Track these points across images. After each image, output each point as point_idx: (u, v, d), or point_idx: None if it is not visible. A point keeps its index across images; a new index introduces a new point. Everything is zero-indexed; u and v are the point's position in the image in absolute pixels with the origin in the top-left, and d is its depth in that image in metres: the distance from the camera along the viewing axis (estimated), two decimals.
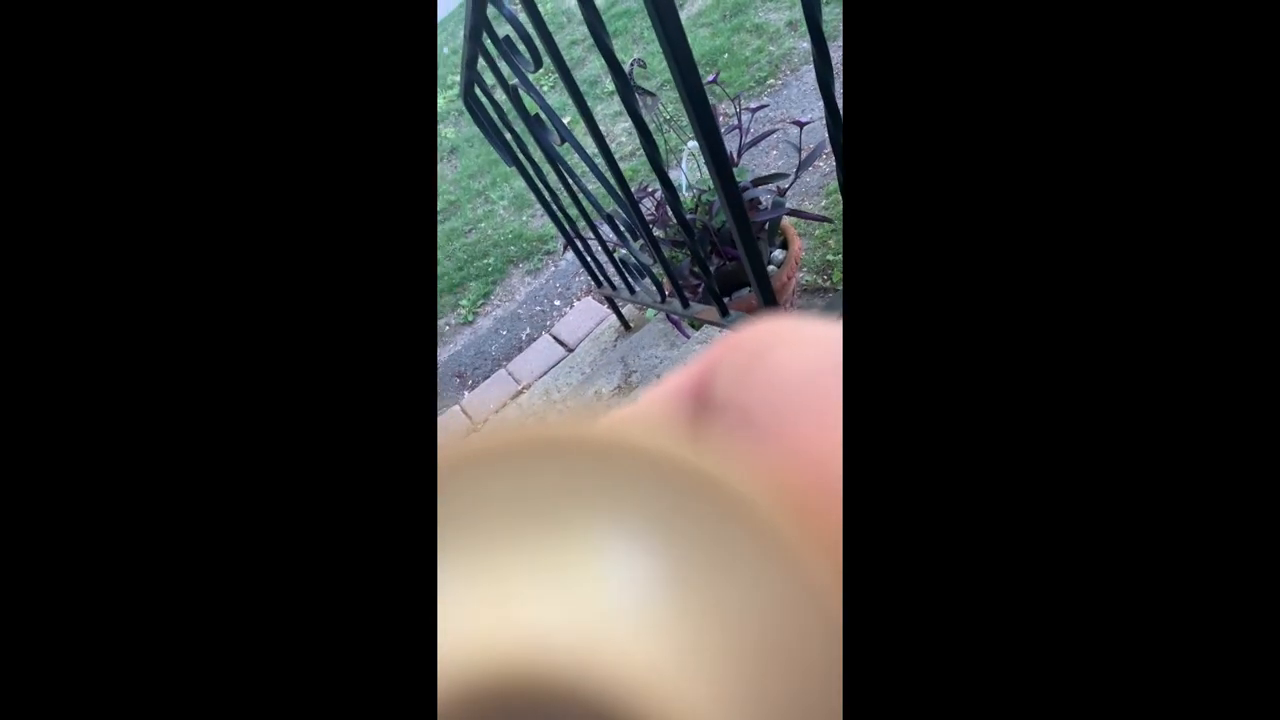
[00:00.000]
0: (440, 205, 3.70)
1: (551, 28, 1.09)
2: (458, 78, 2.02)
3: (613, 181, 1.33)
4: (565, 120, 2.06)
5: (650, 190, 1.87)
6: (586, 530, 0.10)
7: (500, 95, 1.62)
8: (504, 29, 1.29)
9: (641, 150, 1.10)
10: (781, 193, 1.71)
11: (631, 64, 1.53)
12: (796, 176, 1.71)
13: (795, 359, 0.12)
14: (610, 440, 0.11)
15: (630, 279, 1.96)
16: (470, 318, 3.11)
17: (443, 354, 3.01)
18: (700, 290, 1.62)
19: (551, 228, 2.67)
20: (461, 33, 1.54)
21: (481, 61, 1.55)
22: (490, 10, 1.26)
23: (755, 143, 1.84)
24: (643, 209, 1.49)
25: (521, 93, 1.43)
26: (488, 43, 1.41)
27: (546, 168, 1.76)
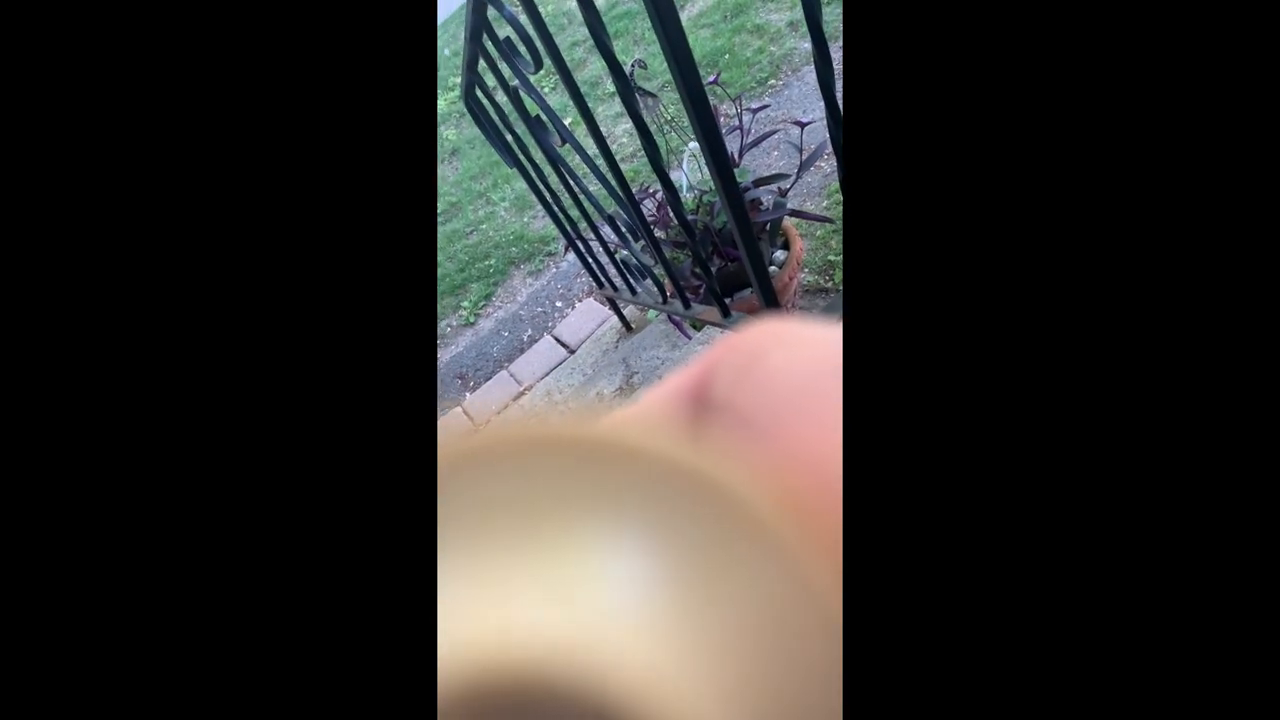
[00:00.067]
0: (441, 207, 3.71)
1: (552, 29, 1.10)
2: (459, 79, 2.03)
3: (614, 182, 1.33)
4: (566, 121, 2.06)
5: (651, 191, 1.87)
6: (586, 530, 0.10)
7: (501, 97, 1.63)
8: (505, 30, 1.29)
9: (642, 151, 1.10)
10: (783, 193, 1.70)
11: (632, 65, 1.53)
12: (798, 177, 1.71)
13: (794, 360, 0.12)
14: (610, 441, 0.11)
15: (631, 280, 1.96)
16: (472, 319, 3.11)
17: (444, 355, 3.01)
18: (702, 291, 1.62)
19: (553, 229, 2.68)
20: (462, 34, 1.54)
21: (482, 63, 1.55)
22: (491, 12, 1.26)
23: (756, 143, 1.84)
24: (644, 210, 1.49)
25: (522, 94, 1.43)
26: (488, 44, 1.41)
27: (548, 169, 1.76)
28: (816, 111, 2.51)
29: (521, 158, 1.88)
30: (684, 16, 3.46)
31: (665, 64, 0.88)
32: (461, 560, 0.10)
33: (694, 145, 1.77)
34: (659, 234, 1.67)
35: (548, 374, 2.56)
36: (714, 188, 1.07)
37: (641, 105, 1.15)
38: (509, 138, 1.83)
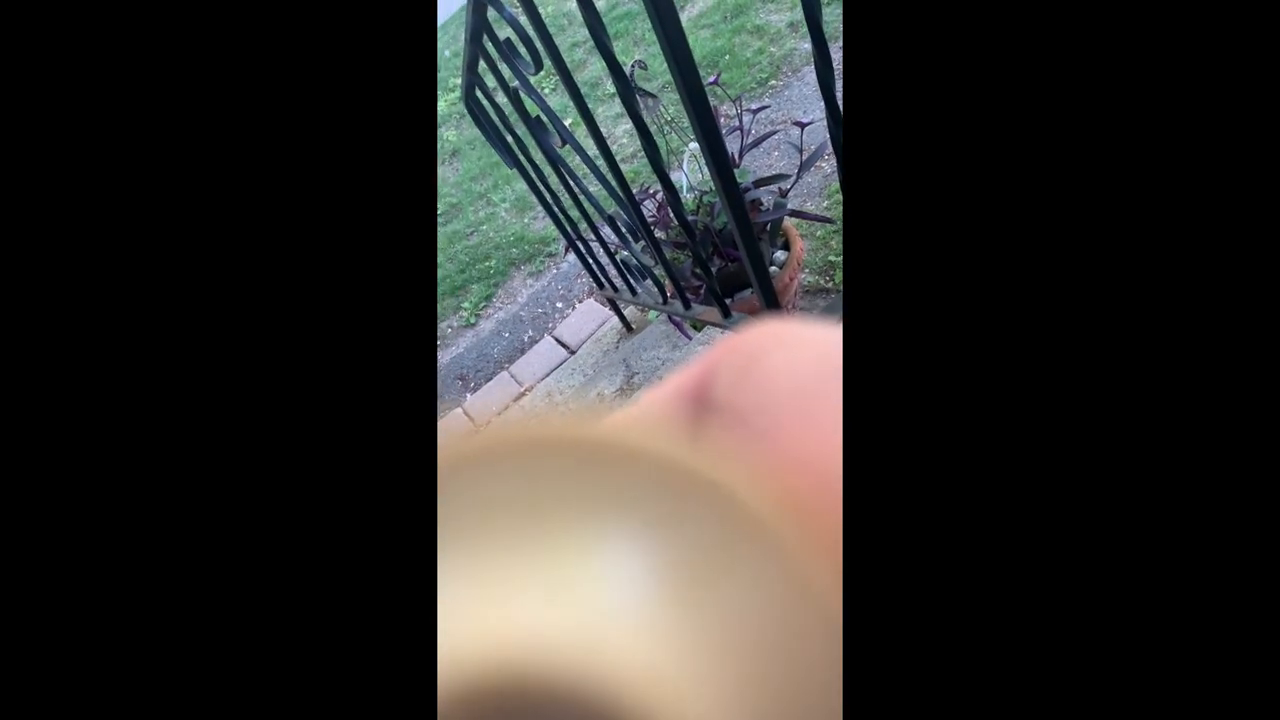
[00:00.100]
0: (442, 208, 3.71)
1: (552, 30, 1.10)
2: (459, 80, 2.03)
3: (614, 183, 1.33)
4: (566, 122, 2.06)
5: (652, 192, 1.87)
6: (586, 530, 0.10)
7: (501, 98, 1.63)
8: (505, 32, 1.29)
9: (643, 152, 1.10)
10: (783, 194, 1.70)
11: (632, 66, 1.53)
12: (798, 177, 1.71)
13: (794, 361, 0.12)
14: (609, 441, 0.11)
15: (632, 280, 1.96)
16: (472, 320, 3.11)
17: (445, 356, 3.01)
18: (702, 291, 1.62)
19: (553, 230, 2.68)
20: (462, 36, 1.54)
21: (483, 64, 1.55)
22: (491, 13, 1.26)
23: (757, 144, 1.84)
24: (644, 210, 1.49)
25: (522, 95, 1.44)
26: (489, 46, 1.41)
27: (548, 170, 1.76)
28: (817, 112, 2.51)
29: (522, 159, 1.88)
30: (684, 17, 3.46)
31: (665, 65, 0.89)
32: (462, 560, 0.10)
33: (694, 146, 1.77)
34: (659, 234, 1.67)
35: (548, 375, 2.56)
36: (714, 188, 1.07)
37: (642, 106, 1.15)
38: (509, 139, 1.83)
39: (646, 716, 0.09)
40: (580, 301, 2.84)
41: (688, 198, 1.77)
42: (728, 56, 3.23)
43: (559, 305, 2.91)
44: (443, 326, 3.15)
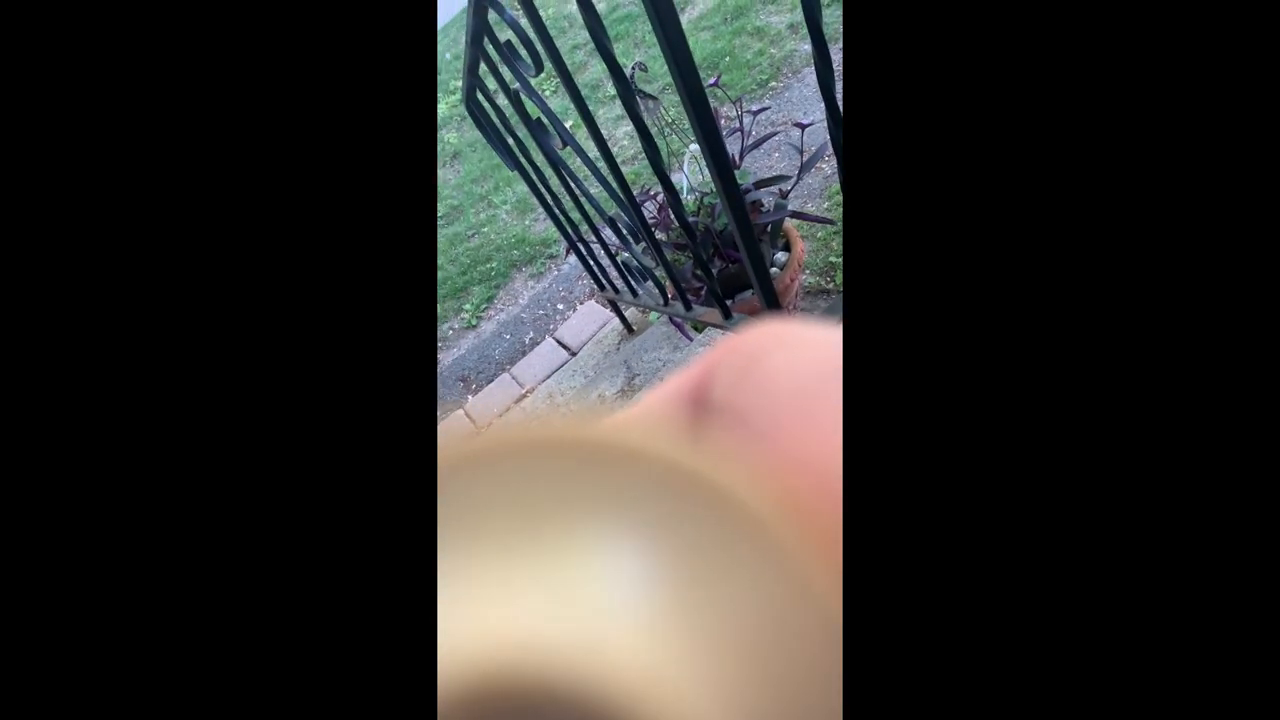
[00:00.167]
0: (443, 210, 3.71)
1: (553, 32, 1.10)
2: (460, 83, 2.03)
3: (615, 185, 1.33)
4: (567, 124, 2.06)
5: (652, 193, 1.87)
6: (587, 531, 0.10)
7: (502, 100, 1.63)
8: (505, 34, 1.29)
9: (643, 153, 1.10)
10: (784, 195, 1.71)
11: (633, 68, 1.53)
12: (799, 179, 1.71)
13: (793, 362, 0.12)
14: (610, 442, 0.11)
15: (633, 282, 1.96)
16: (474, 322, 3.11)
17: (446, 358, 3.02)
18: (703, 293, 1.62)
19: (554, 231, 2.68)
20: (463, 38, 1.55)
21: (483, 67, 1.55)
22: (492, 15, 1.26)
23: (757, 145, 1.84)
24: (645, 212, 1.49)
25: (523, 97, 1.44)
26: (489, 48, 1.41)
27: (549, 172, 1.76)
28: (817, 113, 2.52)
29: (523, 160, 1.88)
30: (684, 19, 3.47)
31: (666, 66, 0.89)
32: (463, 562, 0.10)
33: (695, 147, 1.77)
34: (660, 236, 1.67)
35: (549, 376, 2.56)
36: (715, 190, 1.07)
37: (642, 108, 1.15)
38: (510, 141, 1.83)
39: (646, 717, 0.09)
40: (581, 303, 2.84)
41: (688, 199, 1.77)
42: (728, 58, 3.23)
43: (560, 307, 2.91)
44: (444, 328, 3.15)
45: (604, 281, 2.20)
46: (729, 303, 1.37)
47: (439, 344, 3.08)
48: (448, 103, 4.35)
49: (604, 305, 2.57)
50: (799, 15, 2.94)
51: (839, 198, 2.19)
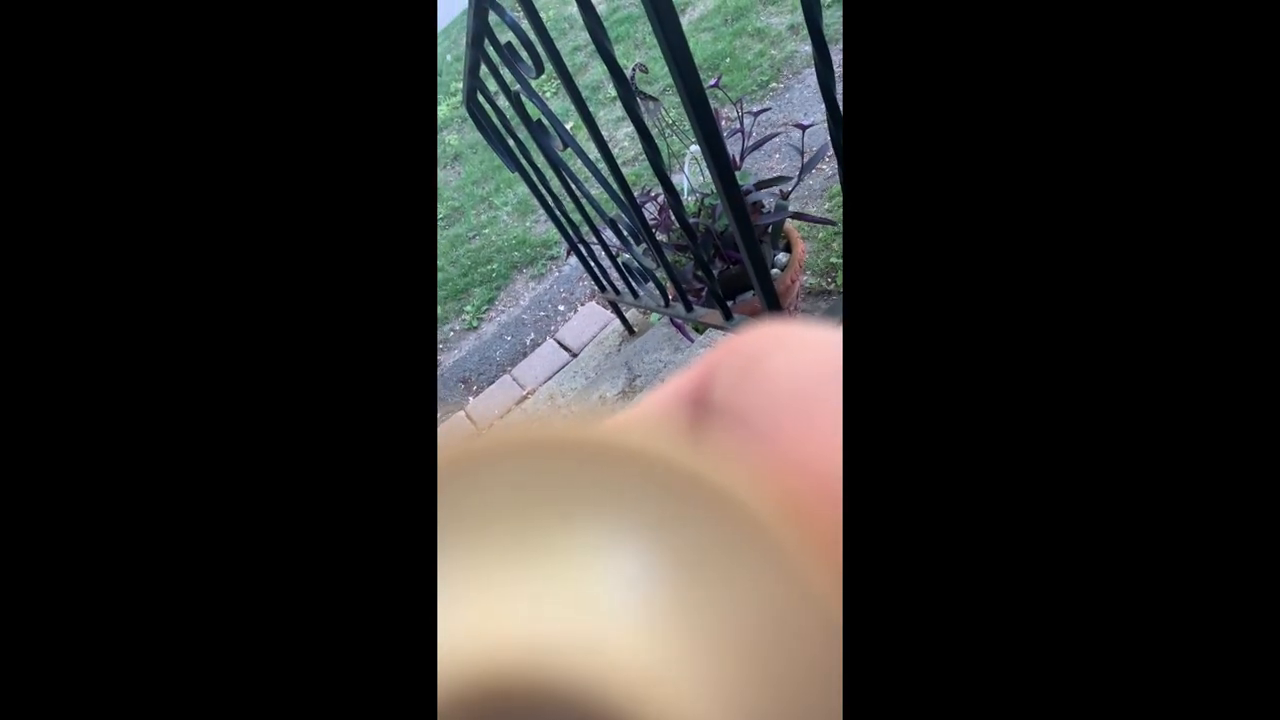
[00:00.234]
0: (444, 212, 3.71)
1: (553, 34, 1.10)
2: (461, 84, 2.03)
3: (615, 186, 1.33)
4: (568, 125, 2.06)
5: (653, 194, 1.87)
6: (587, 532, 0.10)
7: (503, 101, 1.63)
8: (506, 36, 1.29)
9: (644, 155, 1.10)
10: (784, 196, 1.71)
11: (633, 69, 1.53)
12: (799, 179, 1.71)
13: (794, 363, 0.12)
14: (610, 443, 0.11)
15: (634, 283, 1.96)
16: (475, 323, 3.11)
17: (448, 360, 3.02)
18: (704, 294, 1.62)
19: (555, 233, 2.68)
20: (464, 40, 1.55)
21: (484, 68, 1.55)
22: (492, 17, 1.26)
23: (758, 146, 1.84)
24: (645, 213, 1.49)
25: (524, 99, 1.44)
26: (490, 50, 1.41)
27: (549, 173, 1.76)
28: (817, 114, 2.52)
29: (523, 162, 1.88)
30: (685, 20, 3.47)
31: (666, 68, 0.89)
32: (464, 562, 0.10)
33: (695, 148, 1.77)
34: (661, 237, 1.67)
35: (550, 378, 2.56)
36: (715, 191, 1.07)
37: (643, 109, 1.15)
38: (511, 142, 1.84)
39: (647, 718, 0.09)
40: (582, 304, 2.84)
41: (689, 200, 1.77)
42: (728, 59, 3.23)
43: (561, 308, 2.91)
44: (445, 330, 3.15)
45: (605, 283, 2.20)
46: (730, 304, 1.37)
47: (440, 345, 3.08)
48: (449, 104, 4.36)
49: (605, 306, 2.58)
50: (799, 16, 2.94)
51: (840, 199, 2.19)
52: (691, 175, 1.83)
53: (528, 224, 3.36)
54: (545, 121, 1.46)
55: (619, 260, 1.97)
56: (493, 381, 2.75)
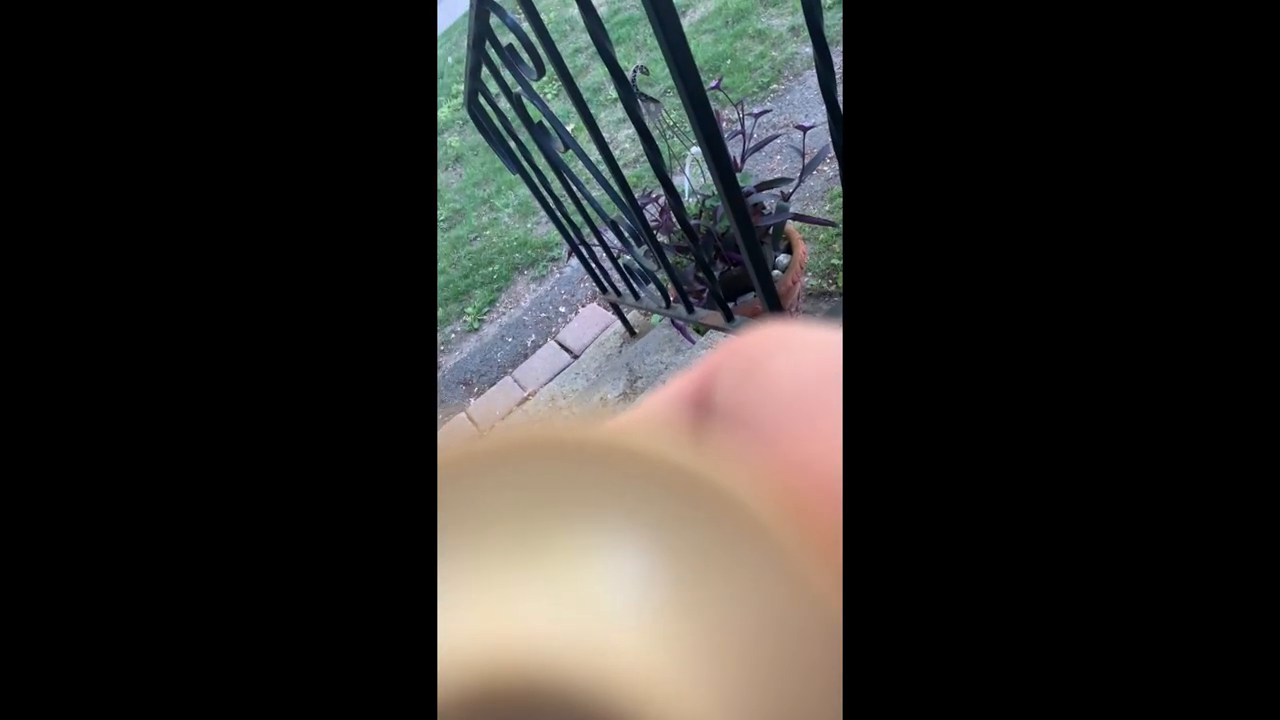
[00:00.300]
0: (445, 213, 3.72)
1: (554, 36, 1.10)
2: (462, 86, 2.04)
3: (616, 188, 1.33)
4: (569, 127, 2.06)
5: (654, 196, 1.87)
6: (588, 533, 0.11)
7: (504, 103, 1.63)
8: (507, 38, 1.30)
9: (645, 156, 1.11)
10: (785, 197, 1.71)
11: (634, 71, 1.54)
12: (800, 181, 1.71)
13: (795, 365, 0.12)
14: (611, 444, 0.11)
15: (635, 285, 1.96)
16: (476, 325, 3.11)
17: (449, 361, 3.02)
18: (705, 295, 1.62)
19: (556, 234, 2.68)
20: (465, 42, 1.55)
21: (485, 70, 1.55)
22: (493, 19, 1.26)
23: (759, 148, 1.84)
24: (646, 215, 1.49)
25: (525, 100, 1.44)
26: (491, 51, 1.41)
27: (550, 175, 1.76)
28: (819, 115, 2.52)
29: (524, 164, 1.88)
30: (685, 22, 3.47)
31: (667, 69, 0.89)
32: (465, 563, 0.10)
33: (696, 150, 1.77)
34: (662, 239, 1.67)
35: (552, 379, 2.57)
36: (716, 192, 1.07)
37: (644, 110, 1.15)
38: (512, 144, 1.84)
39: (647, 718, 0.09)
40: (583, 306, 2.84)
41: (690, 202, 1.77)
42: (729, 61, 3.23)
43: (562, 310, 2.91)
44: (446, 331, 3.15)
45: (606, 284, 2.20)
46: (731, 305, 1.37)
47: (441, 347, 3.08)
48: (450, 106, 4.36)
49: (606, 308, 2.58)
50: (800, 18, 2.94)
51: (841, 200, 2.19)
52: (692, 177, 1.83)
53: (529, 226, 3.36)
54: (546, 123, 1.47)
55: (620, 262, 1.97)
56: (494, 383, 2.75)
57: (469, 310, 3.17)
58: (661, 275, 1.59)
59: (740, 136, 1.78)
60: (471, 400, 2.75)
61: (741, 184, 1.24)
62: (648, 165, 1.14)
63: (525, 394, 2.58)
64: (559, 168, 1.59)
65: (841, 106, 0.97)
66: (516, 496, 0.11)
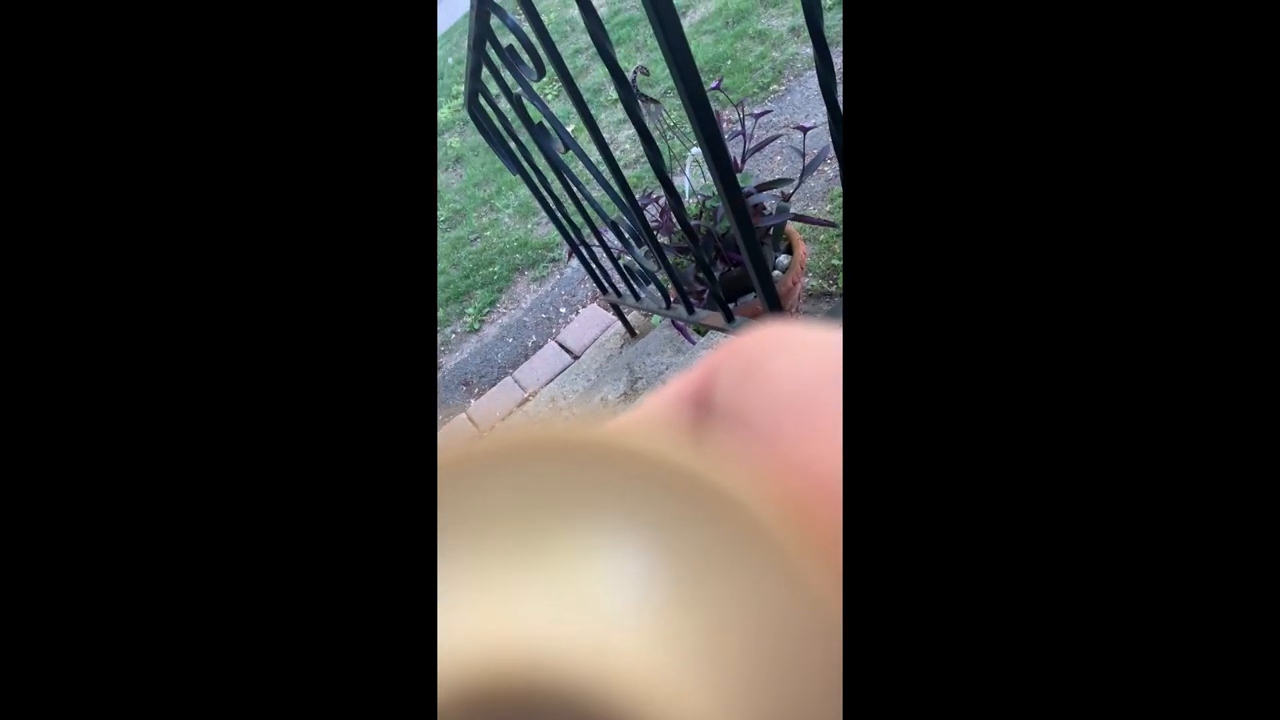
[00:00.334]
0: (446, 214, 3.72)
1: (555, 37, 1.10)
2: (462, 87, 2.04)
3: (617, 188, 1.33)
4: (569, 128, 2.06)
5: (654, 197, 1.87)
6: (588, 534, 0.11)
7: (505, 104, 1.63)
8: (507, 38, 1.30)
9: (645, 157, 1.11)
10: (786, 198, 1.71)
11: (635, 72, 1.54)
12: (801, 181, 1.71)
13: (795, 365, 0.12)
14: (611, 445, 0.11)
15: (635, 285, 1.96)
16: (476, 326, 3.11)
17: (449, 362, 3.02)
18: (705, 296, 1.62)
19: (556, 235, 2.68)
20: (466, 43, 1.55)
21: (485, 71, 1.55)
22: (494, 20, 1.27)
23: (759, 148, 1.84)
24: (647, 215, 1.49)
25: (525, 101, 1.44)
26: (491, 52, 1.41)
27: (551, 175, 1.76)
28: (819, 116, 2.52)
29: (525, 164, 1.88)
30: (686, 23, 3.47)
31: (667, 70, 0.89)
32: (466, 564, 0.10)
33: (696, 151, 1.77)
34: (662, 239, 1.67)
35: (552, 380, 2.57)
36: (717, 193, 1.07)
37: (644, 111, 1.15)
38: (512, 145, 1.84)
39: (647, 719, 0.09)
40: (584, 307, 2.84)
41: (690, 202, 1.77)
42: (730, 62, 3.24)
43: (562, 310, 2.91)
44: (447, 332, 3.16)
45: (606, 285, 2.20)
46: (731, 306, 1.37)
47: (442, 348, 3.09)
48: (450, 107, 4.36)
49: (606, 309, 2.58)
50: (801, 19, 2.94)
51: (841, 200, 2.19)
52: (693, 177, 1.83)
53: (529, 226, 3.36)
54: (547, 124, 1.47)
55: (620, 262, 1.97)
56: (494, 384, 2.75)
57: (469, 311, 3.17)
58: (662, 276, 1.59)
59: (741, 137, 1.78)
60: (472, 401, 2.75)
61: (742, 185, 1.24)
62: (648, 166, 1.15)
63: (525, 395, 2.58)
64: (559, 168, 1.59)
65: (842, 107, 0.97)
66: (517, 497, 0.11)
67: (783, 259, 1.81)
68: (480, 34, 1.42)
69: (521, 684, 0.09)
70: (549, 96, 3.42)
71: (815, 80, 0.99)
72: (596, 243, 1.93)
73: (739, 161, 1.74)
